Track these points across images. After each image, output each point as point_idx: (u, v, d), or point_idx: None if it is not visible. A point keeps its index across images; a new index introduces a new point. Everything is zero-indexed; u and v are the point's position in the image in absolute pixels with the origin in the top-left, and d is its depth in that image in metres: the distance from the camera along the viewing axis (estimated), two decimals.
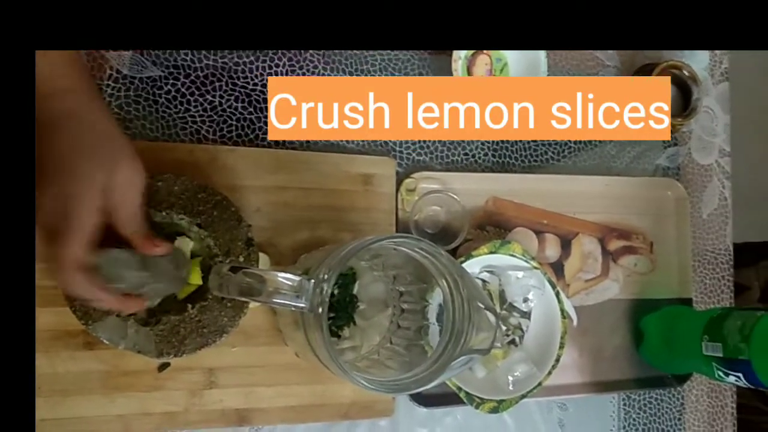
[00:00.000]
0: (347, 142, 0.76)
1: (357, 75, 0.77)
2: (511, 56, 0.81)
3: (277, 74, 0.74)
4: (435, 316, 0.59)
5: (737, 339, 0.68)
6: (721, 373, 0.71)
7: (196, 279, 0.63)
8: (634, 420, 0.84)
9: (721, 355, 0.70)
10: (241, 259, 0.63)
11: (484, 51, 0.80)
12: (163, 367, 0.66)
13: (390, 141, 0.78)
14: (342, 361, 0.48)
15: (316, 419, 0.70)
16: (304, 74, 0.75)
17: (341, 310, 0.69)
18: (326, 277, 0.48)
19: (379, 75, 0.78)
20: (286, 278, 0.47)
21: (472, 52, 0.79)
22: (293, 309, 0.48)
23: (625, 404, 0.84)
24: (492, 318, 0.51)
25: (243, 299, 0.55)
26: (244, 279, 0.48)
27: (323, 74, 0.76)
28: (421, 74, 0.79)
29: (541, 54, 0.78)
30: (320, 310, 0.47)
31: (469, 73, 0.80)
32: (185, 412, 0.66)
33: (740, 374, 0.68)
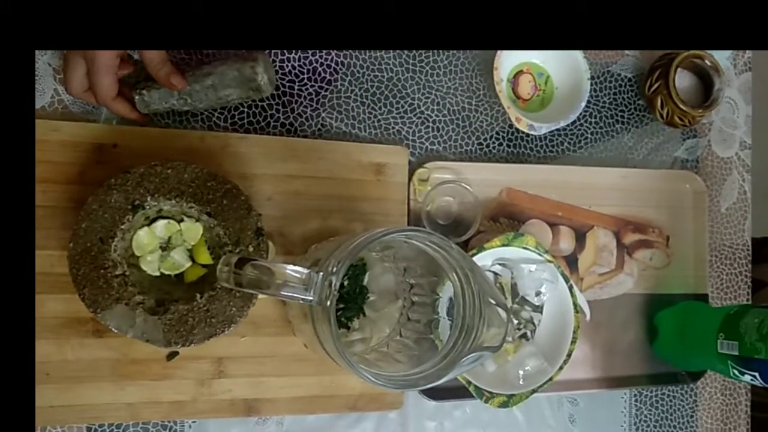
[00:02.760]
0: (360, 130, 0.75)
1: (396, 71, 0.76)
2: (551, 68, 0.82)
3: (289, 60, 0.73)
4: (445, 310, 0.59)
5: (754, 337, 0.66)
6: (736, 372, 0.69)
7: (205, 259, 0.63)
8: (645, 416, 0.83)
9: (737, 353, 0.68)
10: (251, 248, 0.63)
11: (524, 69, 0.81)
12: (172, 355, 0.66)
13: (403, 130, 0.77)
14: (350, 354, 0.48)
15: (324, 410, 0.70)
16: (317, 60, 0.74)
17: (351, 302, 0.68)
18: (335, 269, 0.47)
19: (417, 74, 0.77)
20: (294, 271, 0.47)
21: (514, 73, 0.80)
22: (301, 302, 0.47)
23: (636, 400, 0.83)
24: (503, 314, 0.50)
25: (251, 291, 0.55)
26: (252, 271, 0.47)
27: (343, 64, 0.75)
28: (465, 74, 0.78)
29: (579, 57, 0.79)
30: (329, 303, 0.46)
31: (515, 93, 0.80)
32: (194, 402, 0.66)
33: (756, 373, 0.67)
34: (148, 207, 0.61)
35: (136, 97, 0.65)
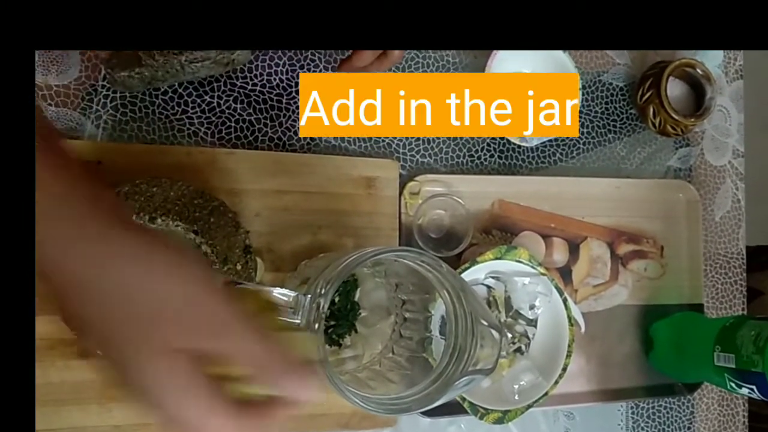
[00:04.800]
0: (349, 143, 0.74)
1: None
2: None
3: (276, 73, 0.72)
4: (438, 329, 0.58)
5: (751, 350, 0.66)
6: (733, 385, 0.68)
7: None
8: (642, 429, 0.83)
9: (733, 366, 0.67)
10: (239, 266, 0.61)
11: None
12: None
13: (393, 142, 0.76)
14: (338, 378, 0.46)
15: (316, 429, 0.69)
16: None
17: (342, 318, 0.67)
18: (323, 291, 0.46)
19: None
20: (281, 294, 0.45)
21: None
22: None
23: (633, 413, 0.82)
24: (496, 335, 0.49)
25: None
26: None
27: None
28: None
29: (570, 66, 0.78)
30: (317, 326, 0.45)
31: None
32: None
33: (754, 386, 0.66)
34: None
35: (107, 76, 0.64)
